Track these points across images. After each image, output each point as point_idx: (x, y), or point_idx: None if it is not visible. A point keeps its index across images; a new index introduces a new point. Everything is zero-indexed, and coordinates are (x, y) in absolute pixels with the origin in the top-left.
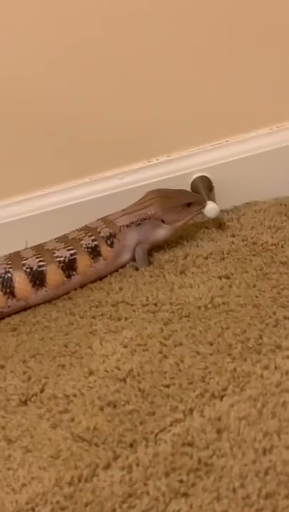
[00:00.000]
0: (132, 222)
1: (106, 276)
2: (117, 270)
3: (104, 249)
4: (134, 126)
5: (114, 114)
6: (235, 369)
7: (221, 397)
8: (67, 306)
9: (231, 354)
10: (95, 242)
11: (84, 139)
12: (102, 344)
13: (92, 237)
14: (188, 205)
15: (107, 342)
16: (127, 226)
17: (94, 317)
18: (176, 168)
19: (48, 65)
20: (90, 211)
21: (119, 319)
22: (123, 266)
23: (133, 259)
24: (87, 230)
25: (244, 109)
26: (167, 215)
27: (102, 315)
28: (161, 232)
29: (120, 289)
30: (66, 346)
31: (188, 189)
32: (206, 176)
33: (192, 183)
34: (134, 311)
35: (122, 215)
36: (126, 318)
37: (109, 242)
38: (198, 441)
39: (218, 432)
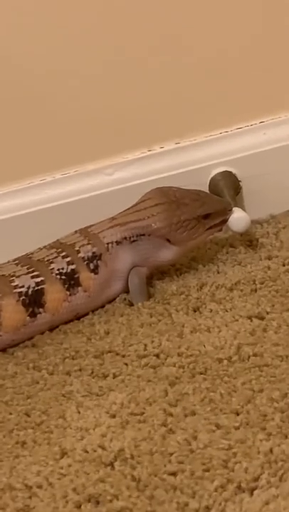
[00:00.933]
0: (125, 238)
1: (87, 314)
2: (103, 306)
3: (86, 275)
4: (129, 101)
5: (101, 84)
6: (271, 450)
7: (251, 491)
8: (31, 356)
9: (266, 428)
10: (72, 266)
11: (57, 118)
12: (79, 412)
13: (68, 259)
14: (206, 217)
15: (87, 409)
16: (118, 243)
17: (68, 373)
18: (188, 160)
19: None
20: (64, 220)
21: (104, 377)
22: (112, 300)
23: (126, 289)
24: (60, 247)
25: (286, 79)
26: (175, 233)
27: (80, 370)
28: (166, 254)
29: (107, 332)
30: (28, 415)
31: (207, 189)
32: (230, 172)
33: (211, 181)
34: (126, 364)
35: (110, 227)
36: (115, 376)
37: (92, 266)
38: None
39: None
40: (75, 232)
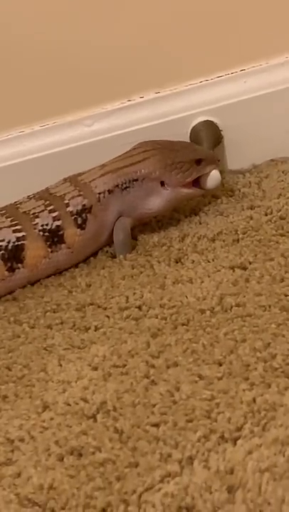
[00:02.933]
0: (117, 186)
1: (69, 268)
2: (87, 259)
3: (71, 232)
4: (107, 50)
5: (80, 34)
6: (254, 399)
7: (234, 441)
8: (11, 310)
9: (249, 378)
10: (57, 222)
11: (35, 69)
12: (61, 366)
13: (54, 214)
14: (198, 162)
15: (69, 362)
16: (110, 192)
17: (50, 327)
18: (168, 110)
19: None
20: (44, 172)
21: (86, 329)
22: (97, 251)
23: (110, 241)
24: (48, 199)
25: (269, 24)
26: (170, 174)
27: (61, 323)
28: (156, 202)
29: (88, 285)
30: (9, 369)
31: (188, 139)
32: (211, 122)
33: (192, 131)
34: (108, 317)
35: (101, 175)
36: (96, 328)
37: (79, 220)
38: (201, 504)
39: (230, 490)
40: (65, 180)
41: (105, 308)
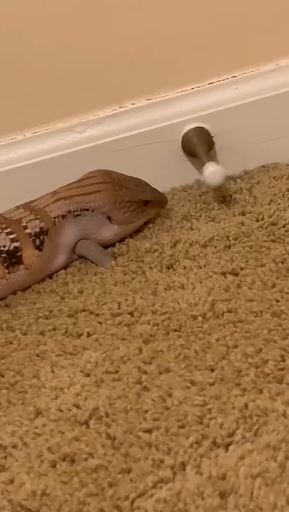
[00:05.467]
0: (70, 212)
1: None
2: (43, 280)
3: (29, 253)
4: (99, 57)
5: (71, 40)
6: (246, 405)
7: (226, 446)
8: (4, 317)
9: (241, 384)
10: (15, 244)
11: (27, 76)
12: (54, 372)
13: (12, 236)
14: (146, 203)
15: (61, 369)
16: (63, 217)
17: (42, 333)
18: (160, 117)
19: None
20: (36, 179)
21: (78, 336)
22: (53, 274)
23: (68, 262)
24: (4, 223)
25: (259, 31)
26: (118, 212)
27: (54, 329)
28: (106, 233)
29: (80, 291)
30: (2, 375)
31: (179, 145)
32: (203, 128)
33: (184, 137)
34: (100, 323)
35: (54, 201)
36: (89, 334)
37: (38, 242)
38: (193, 509)
39: (223, 495)
40: (17, 207)
41: (97, 315)
